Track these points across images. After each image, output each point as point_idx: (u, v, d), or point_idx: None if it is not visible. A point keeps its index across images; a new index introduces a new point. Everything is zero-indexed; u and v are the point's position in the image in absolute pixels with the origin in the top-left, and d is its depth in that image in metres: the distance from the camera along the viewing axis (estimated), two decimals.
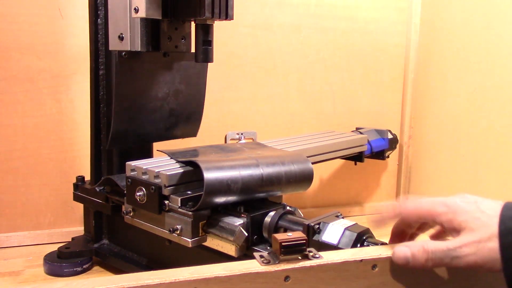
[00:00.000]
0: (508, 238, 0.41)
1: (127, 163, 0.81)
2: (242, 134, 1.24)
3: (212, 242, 0.74)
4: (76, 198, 0.99)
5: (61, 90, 1.09)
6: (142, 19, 0.82)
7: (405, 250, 0.48)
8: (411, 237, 0.56)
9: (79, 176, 1.00)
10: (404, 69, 1.37)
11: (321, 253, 0.50)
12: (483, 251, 0.43)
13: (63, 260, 0.96)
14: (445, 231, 0.49)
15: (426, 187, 1.33)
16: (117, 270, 0.96)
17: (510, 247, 0.41)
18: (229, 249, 0.72)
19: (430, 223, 0.51)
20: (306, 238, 0.48)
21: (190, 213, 0.73)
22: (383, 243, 0.63)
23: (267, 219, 0.74)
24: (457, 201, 0.47)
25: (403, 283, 0.51)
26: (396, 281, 0.51)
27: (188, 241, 0.73)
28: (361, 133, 1.21)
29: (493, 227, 0.43)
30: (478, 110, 1.14)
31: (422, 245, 0.47)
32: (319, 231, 0.67)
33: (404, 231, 0.56)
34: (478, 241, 0.43)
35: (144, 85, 0.90)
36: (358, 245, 0.64)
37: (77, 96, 1.09)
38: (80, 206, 1.03)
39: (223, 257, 0.73)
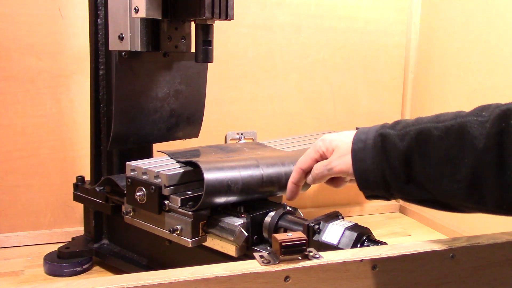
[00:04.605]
0: (357, 145, 0.57)
1: (127, 163, 0.81)
2: (242, 134, 1.24)
3: (212, 242, 0.74)
4: (76, 198, 0.99)
5: (61, 90, 1.09)
6: (142, 19, 0.82)
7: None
8: None
9: (79, 176, 1.00)
10: (404, 69, 1.37)
11: (321, 253, 0.50)
12: (345, 160, 0.58)
13: (63, 260, 0.96)
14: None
15: None
16: (117, 270, 0.96)
17: (358, 150, 0.56)
18: (229, 249, 0.72)
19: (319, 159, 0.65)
20: (306, 238, 0.48)
21: (190, 213, 0.73)
22: (383, 243, 0.63)
23: (267, 219, 0.74)
24: (327, 135, 0.63)
25: (403, 283, 0.51)
26: (396, 281, 0.51)
27: (188, 241, 0.73)
28: None
29: (350, 143, 0.58)
30: None
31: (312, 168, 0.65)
32: (319, 231, 0.67)
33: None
34: (342, 155, 0.59)
35: (144, 85, 0.90)
36: (358, 245, 0.64)
37: (77, 96, 1.09)
38: (80, 206, 1.03)
39: (223, 257, 0.73)
